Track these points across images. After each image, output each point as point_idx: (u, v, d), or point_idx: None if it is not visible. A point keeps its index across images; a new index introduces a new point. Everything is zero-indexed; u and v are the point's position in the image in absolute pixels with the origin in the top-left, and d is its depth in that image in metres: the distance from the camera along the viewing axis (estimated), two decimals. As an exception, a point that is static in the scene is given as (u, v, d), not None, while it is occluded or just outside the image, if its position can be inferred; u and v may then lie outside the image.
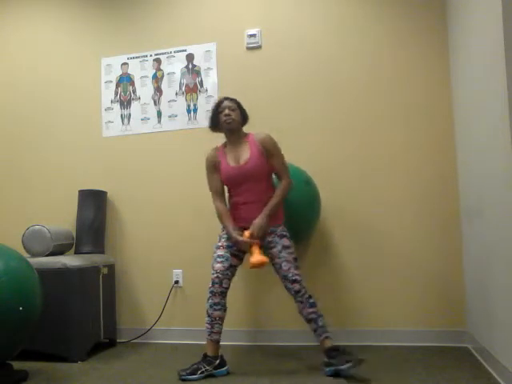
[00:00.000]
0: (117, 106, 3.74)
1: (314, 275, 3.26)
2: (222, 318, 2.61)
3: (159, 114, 3.66)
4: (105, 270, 3.35)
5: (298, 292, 2.55)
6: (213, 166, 2.77)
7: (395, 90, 3.27)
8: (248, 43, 3.50)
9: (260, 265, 2.53)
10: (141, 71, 3.72)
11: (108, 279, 3.40)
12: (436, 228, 3.15)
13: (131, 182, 3.68)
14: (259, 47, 3.50)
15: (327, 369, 2.51)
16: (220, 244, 2.69)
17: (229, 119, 2.69)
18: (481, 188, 2.56)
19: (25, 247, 3.25)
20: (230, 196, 2.78)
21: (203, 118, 3.54)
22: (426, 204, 3.18)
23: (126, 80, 3.75)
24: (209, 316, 2.61)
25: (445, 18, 3.22)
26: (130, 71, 3.75)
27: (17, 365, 2.87)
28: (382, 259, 3.20)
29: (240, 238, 2.59)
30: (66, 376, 2.69)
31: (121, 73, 3.76)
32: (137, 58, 3.74)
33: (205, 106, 3.57)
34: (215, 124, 2.78)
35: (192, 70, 3.62)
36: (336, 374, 2.47)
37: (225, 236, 2.70)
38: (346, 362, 2.41)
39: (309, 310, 2.54)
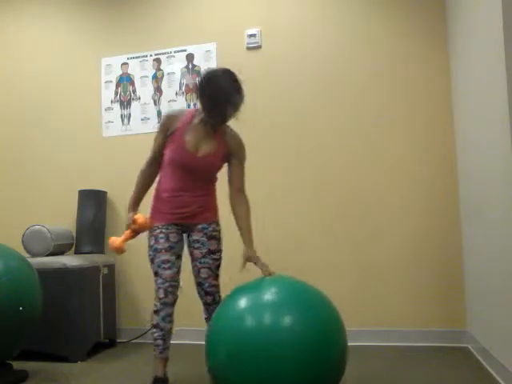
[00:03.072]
0: (117, 106, 3.74)
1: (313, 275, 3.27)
2: (171, 331, 2.30)
3: (159, 113, 3.65)
4: (105, 270, 3.35)
5: (208, 305, 2.36)
6: (167, 128, 2.32)
7: (395, 91, 3.27)
8: (248, 43, 3.50)
9: (119, 250, 2.30)
10: (141, 71, 3.72)
11: (108, 279, 3.39)
12: (436, 228, 3.15)
13: (131, 182, 3.63)
14: (259, 47, 3.50)
15: None
16: (160, 246, 2.28)
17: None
18: (481, 188, 2.56)
19: (25, 247, 3.25)
20: (164, 176, 2.39)
21: (203, 118, 3.53)
22: (426, 204, 3.18)
23: (125, 80, 3.75)
24: (161, 330, 2.25)
25: (445, 18, 3.22)
26: (129, 71, 3.74)
27: (17, 365, 2.87)
28: (382, 259, 3.20)
29: (136, 217, 2.32)
30: (66, 376, 2.69)
31: (121, 73, 3.76)
32: (137, 58, 3.74)
33: (205, 106, 3.56)
34: (209, 104, 2.17)
35: (192, 69, 3.62)
36: None
37: (162, 236, 2.29)
38: None
39: None
